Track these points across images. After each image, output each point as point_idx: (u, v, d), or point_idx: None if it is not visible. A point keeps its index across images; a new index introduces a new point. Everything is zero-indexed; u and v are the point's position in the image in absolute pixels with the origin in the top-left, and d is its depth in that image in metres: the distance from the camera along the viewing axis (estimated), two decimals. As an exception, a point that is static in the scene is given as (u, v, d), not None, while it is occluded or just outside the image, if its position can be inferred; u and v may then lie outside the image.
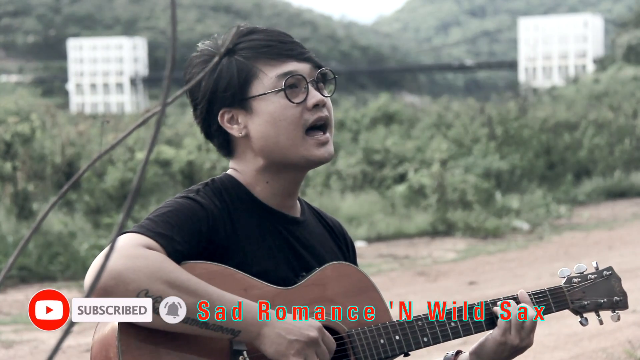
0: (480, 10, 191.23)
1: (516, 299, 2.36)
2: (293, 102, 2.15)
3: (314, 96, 2.16)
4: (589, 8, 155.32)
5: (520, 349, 2.31)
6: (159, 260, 1.95)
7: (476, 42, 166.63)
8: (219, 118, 2.18)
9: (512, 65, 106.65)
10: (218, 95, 2.16)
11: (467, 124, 23.36)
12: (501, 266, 11.26)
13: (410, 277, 10.57)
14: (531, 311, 2.31)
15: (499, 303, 2.33)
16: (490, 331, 2.32)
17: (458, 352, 2.38)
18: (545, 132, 22.04)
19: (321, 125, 2.18)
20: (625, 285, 2.55)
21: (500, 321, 2.29)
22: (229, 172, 2.24)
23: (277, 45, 2.17)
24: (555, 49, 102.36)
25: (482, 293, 9.16)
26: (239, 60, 2.16)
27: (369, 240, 13.26)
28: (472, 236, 14.12)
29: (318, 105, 2.17)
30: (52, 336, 7.63)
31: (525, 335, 2.29)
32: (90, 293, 1.05)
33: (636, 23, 71.82)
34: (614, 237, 13.64)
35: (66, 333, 1.05)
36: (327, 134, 2.19)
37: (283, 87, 2.14)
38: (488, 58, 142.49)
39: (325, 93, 2.21)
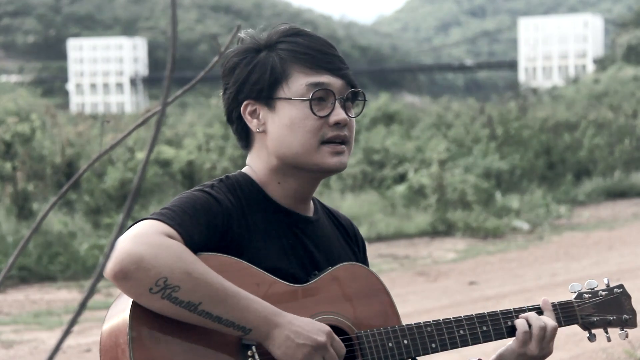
0: (480, 10, 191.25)
1: (539, 310, 2.37)
2: (316, 115, 2.15)
3: (338, 114, 2.16)
4: (589, 8, 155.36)
5: (540, 358, 2.32)
6: (179, 250, 1.97)
7: (476, 42, 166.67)
8: (242, 108, 2.19)
9: (512, 65, 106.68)
10: (247, 86, 2.18)
11: (467, 124, 23.36)
12: (501, 266, 11.26)
13: (410, 277, 10.57)
14: (550, 322, 2.33)
15: (520, 315, 2.34)
16: (510, 340, 2.34)
17: None
18: (545, 132, 22.04)
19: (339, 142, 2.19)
20: (626, 285, 2.54)
21: (518, 333, 2.30)
22: (244, 170, 2.24)
23: (317, 55, 2.17)
24: (555, 49, 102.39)
25: (482, 293, 9.17)
26: (276, 59, 2.17)
27: (369, 240, 13.26)
28: (472, 236, 14.12)
29: (339, 124, 2.16)
30: (52, 336, 7.63)
31: (545, 345, 2.31)
32: (95, 284, 1.05)
33: (636, 23, 71.85)
34: (614, 237, 13.64)
35: (66, 333, 1.05)
36: (344, 145, 2.19)
37: (310, 97, 2.15)
38: (488, 58, 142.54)
39: (351, 113, 2.21)
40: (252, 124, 2.19)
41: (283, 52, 2.17)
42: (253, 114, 2.19)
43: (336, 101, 2.17)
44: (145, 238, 1.96)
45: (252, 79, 2.17)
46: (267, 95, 2.16)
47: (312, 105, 2.15)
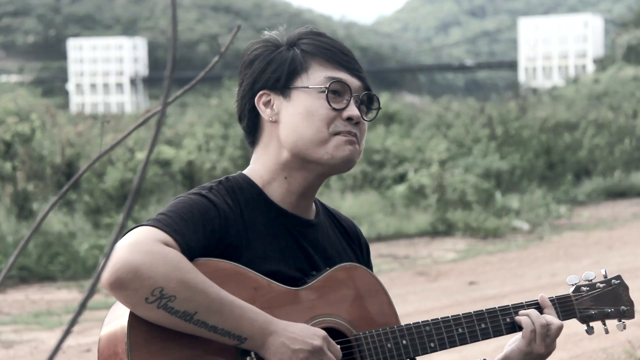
0: (480, 10, 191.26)
1: (538, 306, 2.38)
2: (331, 106, 2.16)
3: (352, 110, 2.18)
4: (589, 8, 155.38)
5: (545, 355, 2.34)
6: (176, 260, 1.96)
7: (476, 42, 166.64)
8: (256, 98, 2.20)
9: (512, 65, 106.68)
10: (264, 76, 2.20)
11: (467, 124, 23.36)
12: (501, 266, 11.26)
13: (410, 277, 10.57)
14: (555, 321, 2.33)
15: (520, 312, 2.34)
16: (512, 335, 2.34)
17: None
18: (545, 132, 22.04)
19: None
20: (626, 285, 2.54)
21: (525, 332, 2.31)
22: (245, 171, 2.24)
23: (338, 53, 2.21)
24: (555, 49, 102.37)
25: (482, 293, 9.16)
26: (297, 51, 2.20)
27: (369, 240, 13.17)
28: (472, 236, 14.11)
29: (352, 120, 2.18)
30: (52, 336, 7.63)
31: (550, 342, 2.33)
32: (93, 287, 1.05)
33: (636, 23, 71.88)
34: (614, 237, 13.64)
35: (66, 333, 1.05)
36: (354, 135, 2.19)
37: (328, 86, 2.16)
38: (488, 58, 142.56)
39: (364, 116, 2.22)
40: (265, 113, 2.20)
41: (305, 46, 2.21)
42: (267, 104, 2.20)
43: (352, 98, 2.19)
44: (141, 246, 1.94)
45: (270, 69, 2.19)
46: (284, 85, 2.18)
47: (329, 97, 2.16)
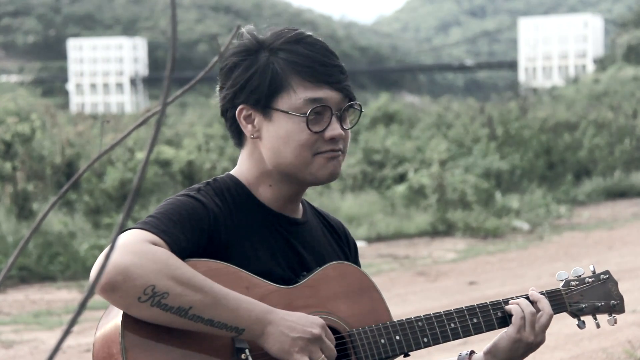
0: (480, 10, 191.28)
1: (528, 299, 2.39)
2: (311, 131, 2.15)
3: (334, 129, 2.16)
4: (589, 8, 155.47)
5: (535, 345, 2.34)
6: (165, 257, 1.97)
7: (476, 42, 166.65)
8: (237, 111, 2.18)
9: (512, 65, 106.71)
10: (245, 91, 2.17)
11: (467, 124, 23.37)
12: (501, 266, 11.26)
13: (410, 277, 10.57)
14: (547, 307, 2.34)
15: (510, 301, 2.36)
16: (504, 329, 2.36)
17: (472, 352, 2.40)
18: (545, 132, 22.04)
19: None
20: (625, 286, 2.55)
21: (514, 319, 2.32)
22: (232, 171, 2.25)
23: (318, 67, 2.16)
24: (555, 49, 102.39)
25: (482, 293, 9.16)
26: (276, 68, 2.16)
27: (369, 240, 13.25)
28: (472, 236, 14.11)
29: (334, 139, 2.17)
30: (52, 336, 7.64)
31: (539, 331, 2.33)
32: (92, 290, 1.05)
33: (636, 23, 71.89)
34: (614, 237, 13.64)
35: (66, 333, 1.05)
36: (339, 151, 2.20)
37: (307, 114, 2.14)
38: (488, 58, 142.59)
39: (347, 124, 2.21)
40: (247, 129, 2.18)
41: (284, 61, 2.16)
42: (248, 118, 2.18)
43: (332, 116, 2.17)
44: (129, 247, 1.95)
45: (251, 85, 2.16)
46: (264, 104, 2.15)
47: (309, 122, 2.15)
